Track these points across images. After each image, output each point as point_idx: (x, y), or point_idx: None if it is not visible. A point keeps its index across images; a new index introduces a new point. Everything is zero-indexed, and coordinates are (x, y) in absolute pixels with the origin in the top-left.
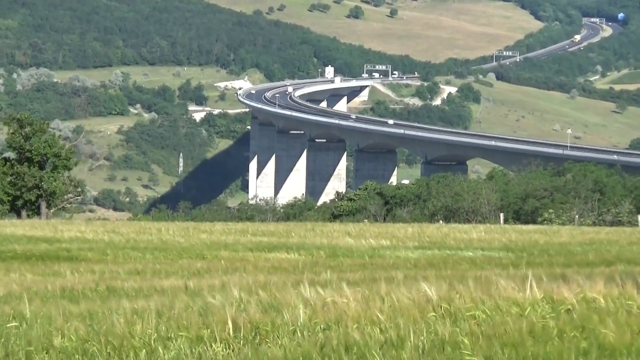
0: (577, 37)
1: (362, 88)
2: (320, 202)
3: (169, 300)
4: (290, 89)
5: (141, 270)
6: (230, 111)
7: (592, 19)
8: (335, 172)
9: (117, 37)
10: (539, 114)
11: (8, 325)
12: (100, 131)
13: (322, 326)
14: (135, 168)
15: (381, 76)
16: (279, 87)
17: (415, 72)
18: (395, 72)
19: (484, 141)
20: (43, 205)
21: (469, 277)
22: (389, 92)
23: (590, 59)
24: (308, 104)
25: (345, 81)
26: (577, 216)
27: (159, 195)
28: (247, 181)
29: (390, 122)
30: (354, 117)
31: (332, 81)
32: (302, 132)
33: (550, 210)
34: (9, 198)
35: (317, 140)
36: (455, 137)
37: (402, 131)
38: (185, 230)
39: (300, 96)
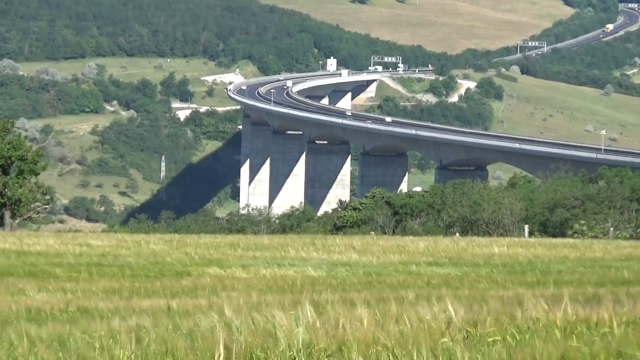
0: (610, 27)
1: (368, 83)
2: (320, 212)
3: (150, 322)
4: (289, 83)
5: (118, 289)
6: (219, 109)
7: (630, 5)
8: (338, 178)
9: (91, 25)
10: (569, 112)
11: None
12: (72, 131)
13: (325, 352)
14: (111, 173)
15: (390, 69)
16: (275, 82)
17: (429, 65)
18: (400, 66)
19: (507, 143)
20: (7, 215)
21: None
22: (399, 88)
23: (627, 50)
24: (307, 100)
25: (355, 74)
26: (611, 228)
27: (138, 204)
28: (238, 188)
29: (388, 119)
30: (348, 113)
31: (339, 74)
32: (301, 132)
33: (582, 222)
34: None
35: (317, 142)
36: (474, 138)
37: (413, 132)
38: (168, 243)
39: (299, 92)
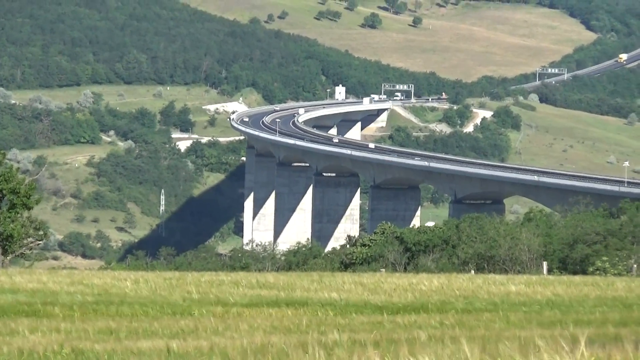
0: (624, 57)
1: (379, 112)
2: (328, 248)
3: None
4: (301, 111)
5: (115, 330)
6: (221, 139)
7: None
8: (347, 213)
9: (87, 51)
10: (591, 143)
11: None
12: (67, 163)
13: None
14: (108, 207)
15: (403, 97)
16: (283, 111)
17: (443, 93)
18: (397, 94)
19: (525, 176)
20: None
21: (505, 338)
22: (411, 117)
23: None
24: (315, 131)
25: (379, 102)
26: (635, 265)
27: (136, 240)
28: (242, 223)
29: (371, 145)
30: (335, 140)
31: (358, 102)
32: (308, 164)
33: (604, 259)
34: None
35: (325, 174)
36: (490, 170)
37: (426, 164)
38: (168, 281)
39: (305, 121)
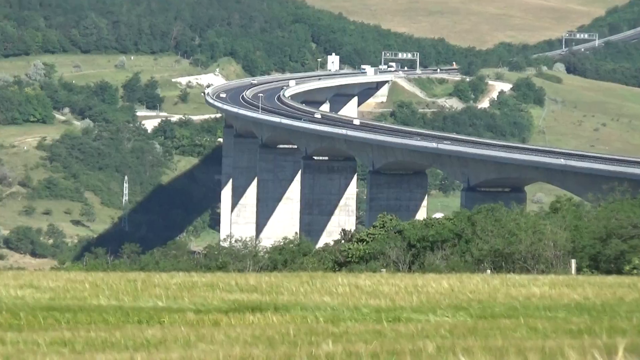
0: None
1: (378, 85)
2: (320, 244)
3: None
4: (292, 83)
5: (70, 341)
6: (194, 117)
7: None
8: (341, 203)
9: (37, 15)
10: (627, 120)
11: None
12: (14, 146)
13: None
14: (62, 197)
15: (406, 68)
16: (267, 84)
17: (454, 63)
18: (392, 64)
19: (549, 159)
20: None
21: (527, 348)
22: (416, 91)
23: None
24: (304, 106)
25: (383, 73)
26: None
27: (94, 236)
28: (218, 215)
29: (356, 122)
30: (318, 115)
31: (363, 72)
32: (296, 146)
33: None
34: None
35: (315, 157)
36: (509, 153)
37: (434, 145)
38: (132, 284)
39: (293, 96)
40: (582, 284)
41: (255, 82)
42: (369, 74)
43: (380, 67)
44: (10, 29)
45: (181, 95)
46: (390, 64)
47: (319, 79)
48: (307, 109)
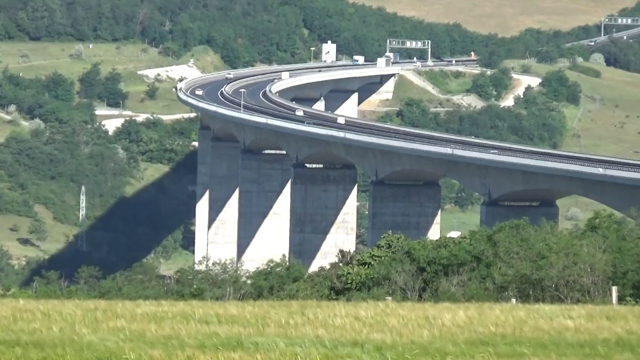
0: None
1: (383, 79)
2: (313, 268)
3: None
4: (285, 76)
5: None
6: (164, 117)
7: None
8: (339, 219)
9: None
10: None
11: None
12: None
13: None
14: (7, 211)
15: (415, 59)
16: (250, 78)
17: (472, 53)
18: (389, 55)
19: (585, 167)
20: None
21: None
22: (428, 86)
23: None
24: (295, 105)
25: (404, 64)
26: None
27: (46, 257)
28: (193, 233)
29: (341, 120)
30: (299, 112)
31: (371, 65)
32: (284, 151)
33: None
34: None
35: (308, 165)
36: (538, 160)
37: (449, 150)
38: (91, 314)
39: (281, 92)
40: (625, 316)
41: (231, 75)
42: (380, 65)
43: (387, 55)
44: None
45: (149, 91)
46: (387, 54)
47: (319, 71)
48: (291, 105)
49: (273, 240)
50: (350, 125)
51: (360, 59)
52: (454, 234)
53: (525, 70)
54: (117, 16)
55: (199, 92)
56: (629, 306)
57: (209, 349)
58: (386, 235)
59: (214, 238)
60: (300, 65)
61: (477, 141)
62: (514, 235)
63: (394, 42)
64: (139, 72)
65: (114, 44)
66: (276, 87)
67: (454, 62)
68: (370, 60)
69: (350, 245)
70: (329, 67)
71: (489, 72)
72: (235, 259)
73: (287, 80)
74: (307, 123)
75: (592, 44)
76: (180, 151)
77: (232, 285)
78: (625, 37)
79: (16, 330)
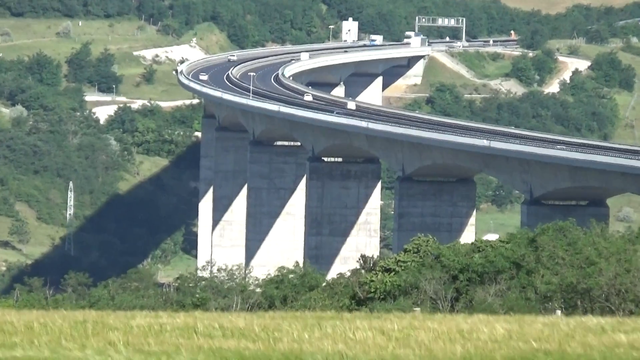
0: None
1: (410, 62)
2: (332, 275)
3: None
4: (305, 56)
5: None
6: (163, 104)
7: None
8: (361, 219)
9: None
10: None
11: None
12: None
13: None
14: None
15: (447, 39)
16: (257, 60)
17: (512, 32)
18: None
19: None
20: None
21: None
22: (462, 69)
23: None
24: (310, 90)
25: (439, 44)
26: None
27: (29, 262)
28: (195, 235)
29: (351, 106)
30: (307, 97)
31: (405, 44)
32: (299, 143)
33: None
34: None
35: (326, 159)
36: (587, 154)
37: (485, 143)
38: (80, 326)
39: (295, 76)
40: None
41: (234, 57)
42: (414, 44)
43: (407, 34)
44: None
45: (145, 74)
46: (407, 34)
47: (345, 51)
48: (306, 90)
49: (286, 243)
50: (362, 112)
51: (378, 38)
52: (491, 237)
53: (573, 52)
54: None
55: (204, 77)
56: None
57: None
58: (415, 238)
59: (219, 241)
60: (318, 45)
61: (517, 132)
62: (559, 238)
63: (423, 20)
64: (134, 53)
65: (107, 20)
66: (289, 70)
67: (491, 42)
68: (397, 39)
69: (373, 250)
70: (355, 48)
71: (531, 53)
72: (243, 265)
73: (301, 63)
74: (336, 113)
75: None
76: (181, 142)
77: (240, 294)
78: None
79: None
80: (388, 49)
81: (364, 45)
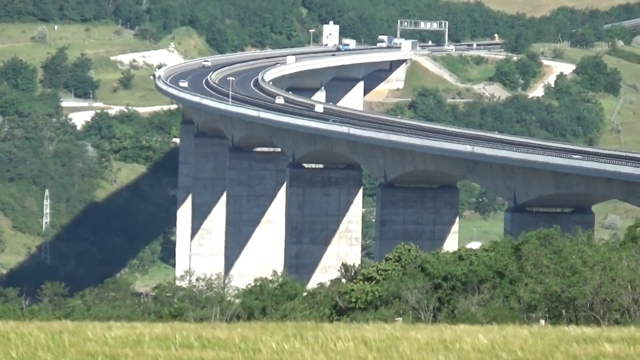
0: None
1: (392, 66)
2: (312, 284)
3: None
4: (291, 60)
5: None
6: (141, 110)
7: None
8: (342, 227)
9: None
10: None
11: None
12: None
13: None
14: None
15: (430, 43)
16: (235, 65)
17: (496, 36)
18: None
19: (626, 168)
20: None
21: None
22: (445, 74)
23: None
24: (291, 95)
25: (428, 48)
26: None
27: (4, 271)
28: (174, 244)
29: (319, 108)
30: (279, 100)
31: (398, 47)
32: (279, 149)
33: None
34: None
35: (307, 165)
36: (572, 160)
37: (469, 148)
38: (57, 337)
39: (275, 81)
40: None
41: (208, 63)
42: (404, 49)
43: (381, 38)
44: None
45: (123, 80)
46: (381, 37)
47: (333, 55)
48: (278, 92)
49: (266, 252)
50: (330, 115)
51: (351, 42)
52: (474, 245)
53: (557, 56)
54: None
55: (184, 84)
56: None
57: None
58: (397, 247)
59: (198, 249)
60: (299, 49)
61: (501, 137)
62: (543, 246)
63: (405, 24)
64: (111, 58)
65: (83, 25)
66: (270, 75)
67: (474, 46)
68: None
69: (354, 258)
70: (332, 52)
71: (515, 57)
72: (223, 274)
73: (282, 67)
74: (332, 121)
75: (635, 25)
76: (159, 149)
77: (219, 304)
78: None
79: None
80: (369, 53)
81: (338, 50)
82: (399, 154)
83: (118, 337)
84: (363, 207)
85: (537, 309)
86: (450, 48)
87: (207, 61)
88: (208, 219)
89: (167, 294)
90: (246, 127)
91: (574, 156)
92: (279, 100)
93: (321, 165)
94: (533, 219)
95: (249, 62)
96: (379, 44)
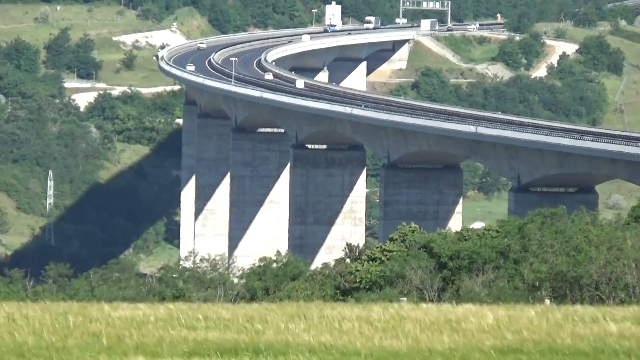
0: None
1: (395, 46)
2: (316, 265)
3: None
4: (306, 38)
5: None
6: (144, 90)
7: None
8: (346, 207)
9: None
10: None
11: None
12: None
13: None
14: None
15: (435, 23)
16: (232, 47)
17: (498, 16)
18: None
19: (630, 148)
20: None
21: None
22: (447, 54)
23: None
24: (294, 75)
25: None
26: None
27: (8, 252)
28: (178, 225)
29: (300, 84)
30: (268, 76)
31: (419, 25)
32: (283, 130)
33: None
34: None
35: (310, 146)
36: (575, 139)
37: (472, 129)
38: (62, 318)
39: (278, 61)
40: None
41: (203, 45)
42: (424, 27)
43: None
44: None
45: (125, 60)
46: (368, 18)
47: (349, 33)
48: (289, 76)
49: (270, 232)
50: (311, 90)
51: (337, 23)
52: (478, 225)
53: (560, 36)
54: None
55: (191, 68)
56: None
57: (196, 357)
58: (400, 227)
59: (202, 230)
60: (301, 30)
61: (504, 117)
62: (547, 226)
63: (407, 3)
64: (114, 39)
65: (86, 5)
66: (272, 55)
67: (477, 26)
68: (389, 23)
69: (358, 239)
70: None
71: (517, 37)
72: (227, 254)
73: (285, 47)
74: (364, 107)
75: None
76: (162, 130)
77: (223, 285)
78: None
79: None
80: (372, 33)
81: (324, 31)
82: (402, 135)
83: (122, 317)
84: (367, 188)
85: (541, 289)
86: (472, 27)
87: (203, 43)
88: (212, 199)
89: (172, 275)
90: (249, 108)
91: (584, 137)
92: (268, 77)
93: (324, 146)
94: (537, 199)
95: (249, 42)
96: (366, 25)
